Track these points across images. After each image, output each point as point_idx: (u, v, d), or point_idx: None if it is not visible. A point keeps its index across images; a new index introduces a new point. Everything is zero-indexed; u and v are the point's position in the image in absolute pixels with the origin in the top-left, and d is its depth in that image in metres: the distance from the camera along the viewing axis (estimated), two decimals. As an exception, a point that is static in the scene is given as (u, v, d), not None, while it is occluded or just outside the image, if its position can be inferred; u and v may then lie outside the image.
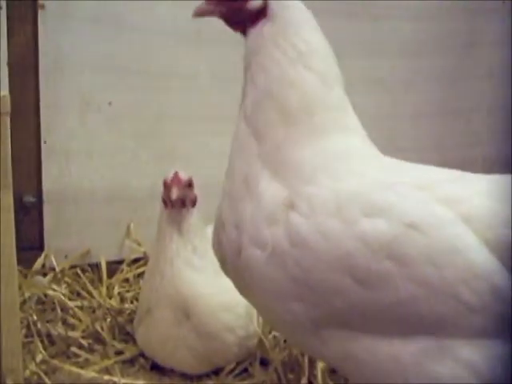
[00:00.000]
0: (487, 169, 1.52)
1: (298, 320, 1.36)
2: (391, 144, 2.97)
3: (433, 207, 1.34)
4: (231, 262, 1.45)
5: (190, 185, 2.04)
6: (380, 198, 1.34)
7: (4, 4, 2.44)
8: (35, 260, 2.61)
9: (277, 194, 1.38)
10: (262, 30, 1.44)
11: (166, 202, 2.04)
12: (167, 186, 2.02)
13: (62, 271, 2.60)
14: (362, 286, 1.30)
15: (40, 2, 2.51)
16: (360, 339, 1.33)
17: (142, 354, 2.17)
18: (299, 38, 1.43)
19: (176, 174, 2.01)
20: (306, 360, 1.97)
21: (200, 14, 1.51)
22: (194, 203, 2.05)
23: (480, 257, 1.30)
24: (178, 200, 2.00)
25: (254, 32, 1.45)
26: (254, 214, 1.38)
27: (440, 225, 1.32)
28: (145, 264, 2.64)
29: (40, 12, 2.51)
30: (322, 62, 1.45)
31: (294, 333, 1.41)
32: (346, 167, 1.40)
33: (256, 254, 1.36)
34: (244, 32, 1.49)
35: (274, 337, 2.16)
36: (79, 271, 2.63)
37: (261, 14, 1.45)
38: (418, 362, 1.31)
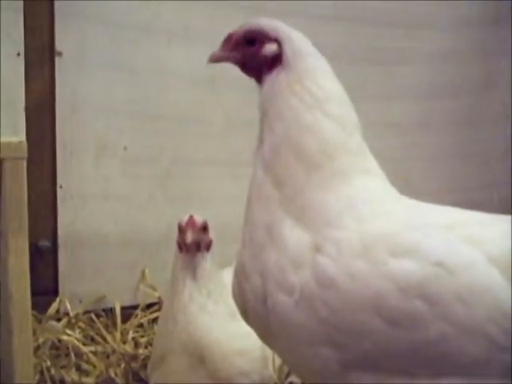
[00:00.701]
0: (503, 211, 1.52)
1: (326, 364, 1.34)
2: (406, 187, 2.95)
3: (459, 246, 1.35)
4: (255, 310, 1.44)
5: (204, 228, 2.03)
6: (406, 238, 1.35)
7: (22, 50, 2.48)
8: (49, 305, 2.59)
9: (301, 239, 1.38)
10: (278, 77, 1.45)
11: (181, 245, 2.03)
12: (182, 230, 2.01)
13: (76, 316, 2.59)
14: (391, 326, 1.30)
15: (57, 49, 2.55)
16: (388, 380, 1.32)
17: (157, 401, 2.15)
18: (316, 84, 1.44)
19: (191, 217, 2.01)
20: (323, 407, 1.93)
21: (215, 60, 1.53)
22: (208, 247, 2.04)
23: (507, 296, 1.31)
24: (193, 244, 2.00)
25: (269, 79, 1.46)
26: (279, 260, 1.38)
27: (467, 264, 1.33)
28: (159, 309, 2.62)
29: (57, 59, 2.55)
30: (340, 107, 1.45)
31: (320, 377, 1.39)
32: (369, 209, 1.40)
33: (283, 299, 1.35)
34: (259, 78, 1.50)
35: (291, 383, 2.12)
36: (93, 316, 2.61)
37: (276, 60, 1.46)
38: None
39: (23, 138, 2.15)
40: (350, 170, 1.42)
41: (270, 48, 1.46)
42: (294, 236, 1.38)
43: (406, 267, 1.31)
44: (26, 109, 2.50)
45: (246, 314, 1.49)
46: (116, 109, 2.65)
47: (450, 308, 1.29)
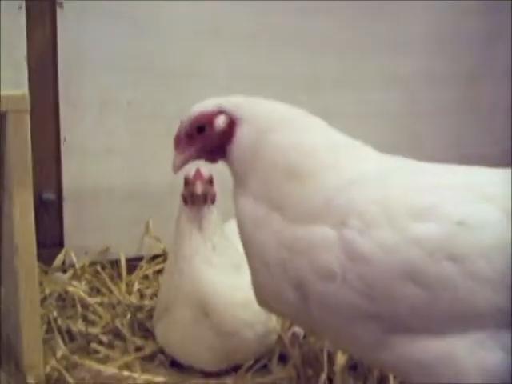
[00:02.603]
0: (506, 166, 1.54)
1: (373, 335, 1.38)
2: (412, 141, 2.96)
3: (477, 204, 1.38)
4: (292, 314, 1.48)
5: (211, 181, 2.04)
6: (425, 200, 1.38)
7: (23, 3, 2.46)
8: (55, 257, 2.62)
9: (323, 230, 1.39)
10: (243, 133, 1.48)
11: (187, 198, 2.04)
12: (190, 182, 2.01)
13: (81, 268, 2.62)
14: (422, 289, 1.33)
15: (59, 1, 2.52)
16: (420, 340, 1.36)
17: (162, 351, 2.18)
18: (278, 113, 1.50)
19: (198, 170, 2.01)
20: (325, 356, 1.97)
21: (179, 167, 1.56)
22: (213, 200, 2.05)
23: None
24: (201, 196, 2.01)
25: (234, 141, 1.49)
26: (313, 261, 1.39)
27: (486, 220, 1.36)
28: (164, 261, 2.65)
29: (59, 11, 2.52)
30: (305, 119, 1.51)
31: (368, 349, 1.42)
32: (380, 179, 1.43)
33: (325, 286, 1.38)
34: (223, 153, 1.52)
35: (293, 333, 2.15)
36: (99, 268, 2.64)
37: (231, 126, 1.49)
38: (474, 354, 1.34)
39: (26, 91, 2.14)
40: (342, 162, 1.46)
41: (220, 121, 1.50)
42: (315, 232, 1.40)
43: (429, 230, 1.34)
44: (28, 62, 2.49)
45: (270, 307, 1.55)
46: (119, 62, 2.63)
47: (475, 264, 1.32)
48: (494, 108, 3.27)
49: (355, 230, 1.36)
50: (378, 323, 1.37)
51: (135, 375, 2.06)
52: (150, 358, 2.18)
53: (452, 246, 1.34)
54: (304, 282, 1.40)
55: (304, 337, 2.12)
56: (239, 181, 1.51)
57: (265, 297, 1.52)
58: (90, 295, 2.48)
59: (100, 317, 2.36)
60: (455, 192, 1.40)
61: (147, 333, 2.29)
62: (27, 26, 2.48)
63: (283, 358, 2.11)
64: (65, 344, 2.18)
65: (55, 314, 2.30)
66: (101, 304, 2.43)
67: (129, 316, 2.36)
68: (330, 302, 1.38)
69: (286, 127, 1.48)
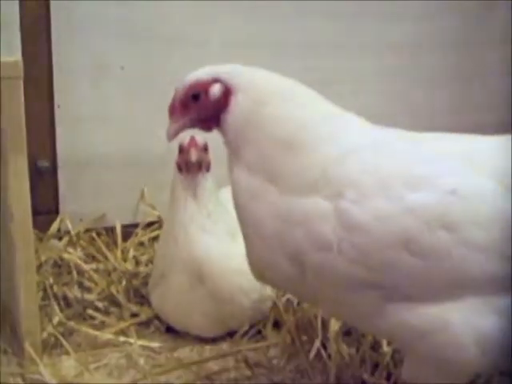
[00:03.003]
0: (502, 133, 1.54)
1: (370, 304, 1.39)
2: (407, 108, 2.95)
3: (468, 173, 1.39)
4: (289, 284, 1.50)
5: (205, 149, 2.04)
6: (419, 170, 1.39)
7: (16, -32, 2.42)
8: (50, 224, 2.62)
9: (318, 201, 1.40)
10: (237, 102, 1.47)
11: (182, 166, 2.04)
12: (184, 150, 2.02)
13: (77, 235, 2.62)
14: (417, 258, 1.35)
15: (50, -35, 2.49)
16: (416, 308, 1.38)
17: (157, 317, 2.20)
18: (274, 85, 1.50)
19: (192, 137, 2.01)
20: (319, 322, 1.99)
21: (174, 135, 1.54)
22: (208, 167, 2.06)
23: None
24: (196, 163, 2.01)
25: (230, 111, 1.48)
26: (309, 230, 1.40)
27: (479, 188, 1.38)
28: (159, 228, 2.66)
29: (51, -24, 2.50)
30: (303, 92, 1.51)
31: (360, 316, 1.45)
32: (373, 150, 1.44)
33: (322, 256, 1.38)
34: (218, 122, 1.51)
35: (288, 300, 2.17)
36: (94, 235, 2.64)
37: (226, 95, 1.48)
38: (469, 320, 1.36)
39: (19, 57, 2.12)
40: (337, 134, 1.46)
41: (215, 89, 1.49)
42: (311, 203, 1.40)
43: (423, 199, 1.35)
44: (21, 28, 2.47)
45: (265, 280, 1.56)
46: (113, 28, 2.60)
47: (469, 233, 1.34)
48: (491, 75, 3.26)
49: (350, 201, 1.37)
50: (375, 292, 1.38)
51: (131, 341, 2.08)
52: (146, 324, 2.20)
53: (446, 214, 1.35)
54: (300, 253, 1.41)
55: (298, 303, 2.14)
56: (233, 151, 1.50)
57: (260, 268, 1.53)
58: (85, 262, 2.48)
59: (96, 283, 2.37)
60: (450, 162, 1.41)
61: (142, 299, 2.31)
62: (20, -8, 2.45)
63: (278, 324, 2.13)
64: (61, 310, 2.19)
65: (51, 280, 2.32)
66: (96, 271, 2.44)
67: (124, 282, 2.37)
68: (326, 272, 1.39)
69: (281, 99, 1.48)
